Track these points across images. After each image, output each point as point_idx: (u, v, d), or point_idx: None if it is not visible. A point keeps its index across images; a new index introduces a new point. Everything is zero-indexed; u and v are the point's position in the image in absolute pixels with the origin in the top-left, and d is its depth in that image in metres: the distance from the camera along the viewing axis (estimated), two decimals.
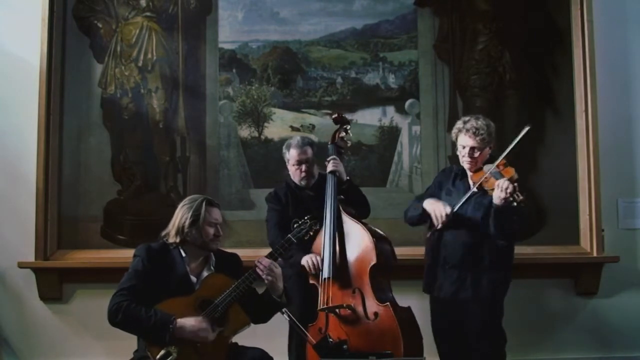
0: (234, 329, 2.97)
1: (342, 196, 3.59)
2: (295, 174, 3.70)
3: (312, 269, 3.44)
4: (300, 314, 3.36)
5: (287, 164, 3.75)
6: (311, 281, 3.49)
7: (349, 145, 3.81)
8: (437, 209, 3.38)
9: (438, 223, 3.37)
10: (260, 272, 3.01)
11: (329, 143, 3.75)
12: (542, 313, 4.38)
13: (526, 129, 3.37)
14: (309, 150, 3.68)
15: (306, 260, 3.45)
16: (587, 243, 4.37)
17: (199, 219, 3.02)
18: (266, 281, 3.04)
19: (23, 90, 4.34)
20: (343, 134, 3.73)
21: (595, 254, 4.34)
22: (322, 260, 3.44)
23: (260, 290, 3.13)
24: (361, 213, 3.67)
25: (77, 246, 4.34)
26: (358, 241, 3.45)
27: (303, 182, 3.69)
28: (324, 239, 3.46)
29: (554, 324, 4.40)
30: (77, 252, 4.32)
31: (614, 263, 4.35)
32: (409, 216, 3.60)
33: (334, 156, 3.66)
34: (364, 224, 3.51)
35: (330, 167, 3.61)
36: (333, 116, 3.82)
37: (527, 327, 4.29)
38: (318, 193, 3.63)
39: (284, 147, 3.78)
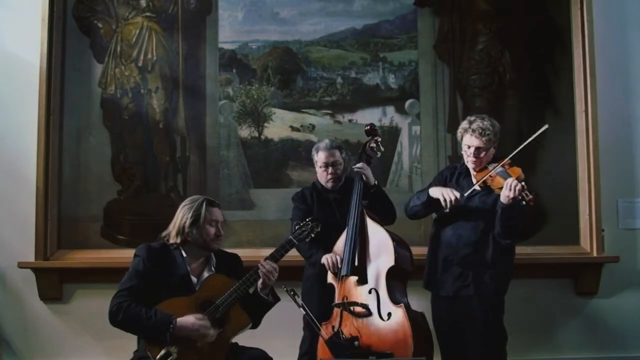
0: (234, 330, 2.97)
1: (365, 201, 3.63)
2: (322, 176, 3.76)
3: (331, 268, 3.49)
4: (317, 312, 3.41)
5: (315, 165, 3.81)
6: (329, 280, 3.53)
7: (378, 155, 3.83)
8: (445, 192, 3.39)
9: (447, 206, 3.37)
10: (261, 274, 3.01)
11: (359, 151, 3.80)
12: (542, 313, 4.38)
13: (544, 127, 3.46)
14: (337, 153, 3.74)
15: (326, 259, 3.50)
16: (587, 243, 4.38)
17: (199, 219, 3.03)
18: (264, 281, 3.04)
19: (23, 90, 4.34)
20: (373, 144, 3.77)
21: (595, 254, 4.34)
22: (342, 258, 3.49)
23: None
24: (385, 220, 3.69)
25: (77, 246, 4.34)
26: (378, 243, 3.48)
27: (329, 185, 3.75)
28: (345, 237, 3.51)
29: (554, 324, 4.41)
30: (77, 252, 4.32)
31: (614, 263, 4.35)
32: (411, 206, 3.61)
33: (362, 162, 3.71)
34: (386, 229, 3.54)
35: (356, 168, 3.65)
36: (365, 128, 3.85)
37: (527, 327, 4.29)
38: (344, 196, 3.68)
39: (313, 149, 3.85)
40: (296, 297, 3.17)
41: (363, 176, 3.63)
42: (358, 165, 3.67)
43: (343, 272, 3.45)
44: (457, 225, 3.44)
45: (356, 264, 3.44)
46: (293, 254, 3.59)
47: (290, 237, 3.17)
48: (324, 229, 3.30)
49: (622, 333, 4.40)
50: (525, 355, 4.25)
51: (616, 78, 4.51)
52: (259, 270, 3.02)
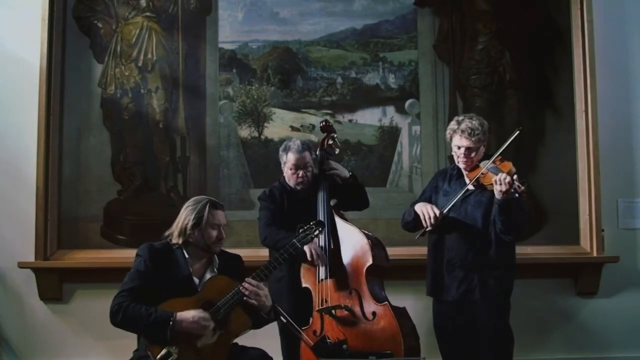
0: (235, 332, 2.96)
1: (335, 200, 3.61)
2: (291, 178, 3.63)
3: (315, 259, 3.39)
4: (290, 317, 3.31)
5: (282, 166, 3.68)
6: (304, 284, 3.48)
7: (336, 152, 3.78)
8: (425, 209, 3.41)
9: (427, 224, 3.39)
10: (247, 298, 2.94)
11: (318, 150, 3.72)
12: (542, 313, 4.38)
13: (516, 132, 3.40)
14: (308, 156, 3.60)
15: (309, 249, 3.38)
16: (587, 243, 4.38)
17: (201, 221, 3.02)
18: (253, 303, 2.97)
19: (23, 90, 4.33)
20: (330, 141, 3.71)
21: (595, 254, 4.34)
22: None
23: None
24: (361, 206, 3.71)
25: (77, 246, 4.34)
26: (353, 243, 3.47)
27: (299, 187, 3.63)
28: (318, 241, 3.44)
29: (554, 324, 4.41)
30: (77, 252, 4.32)
31: (614, 263, 4.35)
32: (404, 222, 3.62)
33: (330, 161, 3.66)
34: (358, 227, 3.53)
35: (331, 172, 3.61)
36: (320, 124, 3.79)
37: (527, 327, 4.28)
38: (313, 194, 3.61)
39: (281, 148, 3.69)
40: (275, 304, 3.09)
41: (337, 178, 3.60)
42: (332, 168, 3.60)
43: (322, 276, 3.40)
44: (456, 228, 3.42)
45: (332, 264, 3.41)
46: (267, 253, 3.59)
47: (294, 240, 3.11)
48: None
49: (622, 333, 4.40)
50: (526, 355, 4.25)
51: (616, 78, 4.51)
52: (243, 292, 2.93)
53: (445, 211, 3.40)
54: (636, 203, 4.49)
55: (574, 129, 4.47)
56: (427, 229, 3.42)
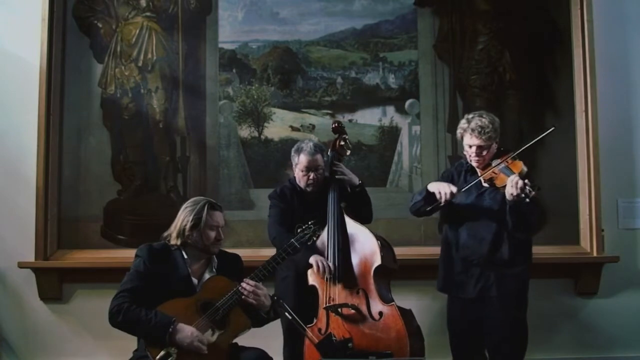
0: (234, 332, 2.96)
1: (344, 203, 3.61)
2: (302, 179, 3.64)
3: (321, 272, 3.40)
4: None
5: (293, 167, 3.69)
6: (311, 282, 3.48)
7: (348, 154, 3.79)
8: (442, 186, 3.38)
9: (442, 199, 3.35)
10: (246, 298, 2.95)
11: (329, 150, 3.72)
12: (542, 313, 4.37)
13: (551, 129, 3.41)
14: (320, 158, 3.61)
15: (315, 261, 3.40)
16: (587, 243, 4.37)
17: (200, 223, 3.02)
18: (252, 303, 2.98)
19: (23, 90, 4.34)
20: (342, 142, 3.72)
21: (595, 254, 4.34)
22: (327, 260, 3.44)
23: None
24: (366, 218, 3.69)
25: (77, 246, 4.34)
26: (362, 243, 3.48)
27: (309, 189, 3.64)
28: (328, 239, 3.46)
29: (554, 324, 4.40)
30: (77, 252, 4.32)
31: (614, 263, 4.35)
32: (414, 202, 3.57)
33: (340, 164, 3.67)
34: (367, 227, 3.54)
35: (339, 175, 3.61)
36: (332, 125, 3.79)
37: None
38: (323, 195, 3.61)
39: (293, 149, 3.70)
40: (281, 301, 3.10)
41: (346, 183, 3.60)
42: (343, 173, 3.61)
43: (329, 275, 3.40)
44: (471, 225, 3.42)
45: (341, 263, 3.41)
46: (267, 253, 3.54)
47: (293, 240, 3.12)
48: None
49: (622, 333, 4.40)
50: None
51: (616, 78, 4.50)
52: (242, 292, 2.95)
53: (463, 190, 3.39)
54: (636, 203, 4.49)
55: (574, 129, 4.47)
56: (441, 204, 3.38)
